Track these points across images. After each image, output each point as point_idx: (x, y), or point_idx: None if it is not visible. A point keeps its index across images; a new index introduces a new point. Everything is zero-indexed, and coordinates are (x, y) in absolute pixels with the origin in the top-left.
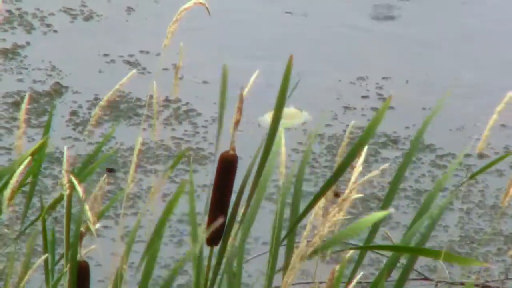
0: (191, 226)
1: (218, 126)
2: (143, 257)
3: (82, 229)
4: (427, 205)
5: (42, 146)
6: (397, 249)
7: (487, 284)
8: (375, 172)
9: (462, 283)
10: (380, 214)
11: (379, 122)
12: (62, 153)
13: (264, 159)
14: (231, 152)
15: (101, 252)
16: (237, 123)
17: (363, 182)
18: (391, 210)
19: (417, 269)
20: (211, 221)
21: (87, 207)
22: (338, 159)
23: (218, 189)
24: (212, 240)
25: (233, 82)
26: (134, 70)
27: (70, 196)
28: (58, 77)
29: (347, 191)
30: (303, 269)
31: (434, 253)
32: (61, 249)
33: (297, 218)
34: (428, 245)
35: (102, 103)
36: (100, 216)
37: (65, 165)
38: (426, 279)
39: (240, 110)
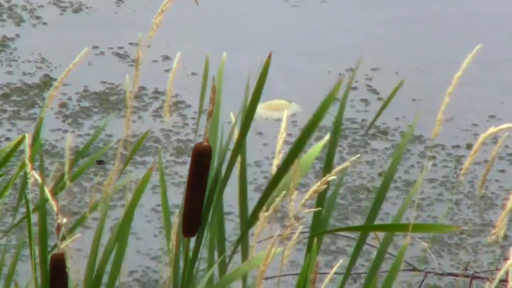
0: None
1: (198, 118)
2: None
3: (59, 221)
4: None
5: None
6: (364, 229)
7: (477, 275)
8: (346, 163)
9: (451, 274)
10: (320, 143)
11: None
12: (51, 145)
13: (236, 152)
14: (205, 143)
15: (90, 244)
16: (210, 114)
17: (336, 173)
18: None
19: (406, 260)
20: (186, 212)
21: (53, 202)
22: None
23: (193, 180)
24: (189, 232)
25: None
26: (86, 48)
27: (43, 189)
28: (47, 69)
29: (318, 183)
30: (291, 260)
31: (401, 227)
32: (52, 241)
33: (246, 223)
34: (417, 236)
35: (57, 84)
36: (91, 210)
37: (27, 154)
38: (415, 270)
39: (213, 101)
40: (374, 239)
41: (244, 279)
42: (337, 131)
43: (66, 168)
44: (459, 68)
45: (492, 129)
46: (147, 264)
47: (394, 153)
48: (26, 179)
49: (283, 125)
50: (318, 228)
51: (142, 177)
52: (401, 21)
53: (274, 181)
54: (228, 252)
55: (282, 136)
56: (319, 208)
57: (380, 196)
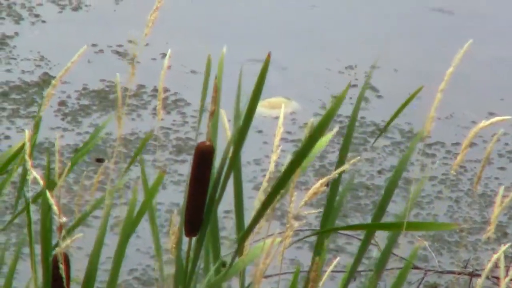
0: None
1: (199, 117)
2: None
3: (61, 221)
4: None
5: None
6: (361, 228)
7: (476, 272)
8: (346, 165)
9: (451, 272)
10: (327, 136)
11: (338, 108)
12: (51, 143)
13: (237, 150)
14: (208, 142)
15: (91, 242)
16: (212, 113)
17: (335, 174)
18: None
19: (406, 258)
20: (188, 211)
21: (52, 201)
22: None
23: (195, 179)
24: (190, 231)
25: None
26: (85, 46)
27: (45, 188)
28: (46, 67)
29: (317, 184)
30: (291, 258)
31: (395, 226)
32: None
33: (251, 222)
34: (417, 234)
35: (55, 82)
36: (91, 210)
37: (27, 150)
38: (415, 268)
39: (215, 100)
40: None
41: (241, 276)
42: (349, 132)
43: (56, 168)
44: (459, 64)
45: (483, 123)
46: (147, 263)
47: (402, 158)
48: (26, 176)
49: (280, 120)
50: (327, 227)
51: (155, 180)
52: (401, 18)
53: (281, 182)
54: (228, 250)
55: (279, 131)
56: (319, 210)
57: (386, 197)
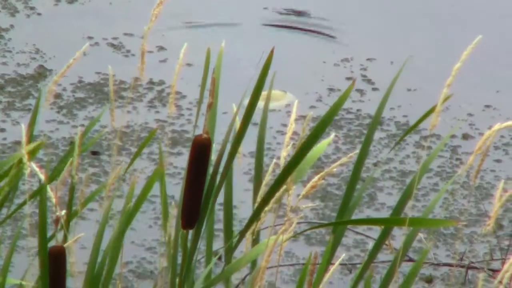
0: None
1: (197, 110)
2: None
3: (58, 214)
4: (412, 186)
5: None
6: (365, 222)
7: (472, 265)
8: (344, 159)
9: (447, 264)
10: (325, 141)
11: (342, 104)
12: (46, 136)
13: (237, 143)
14: (205, 135)
15: (86, 235)
16: (210, 106)
17: (333, 168)
18: (333, 136)
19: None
20: (185, 204)
21: (51, 194)
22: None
23: (192, 172)
24: (187, 224)
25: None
26: (87, 44)
27: (46, 182)
28: (42, 60)
29: (315, 179)
30: (286, 250)
31: (398, 221)
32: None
33: (254, 212)
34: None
35: (56, 78)
36: (85, 203)
37: (24, 144)
38: (410, 260)
39: (212, 93)
40: (369, 230)
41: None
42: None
43: (74, 169)
44: (453, 57)
45: (498, 125)
46: (142, 255)
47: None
48: (22, 169)
49: (293, 116)
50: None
51: (151, 175)
52: (396, 11)
53: (282, 177)
54: (223, 243)
55: (291, 127)
56: (317, 204)
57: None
